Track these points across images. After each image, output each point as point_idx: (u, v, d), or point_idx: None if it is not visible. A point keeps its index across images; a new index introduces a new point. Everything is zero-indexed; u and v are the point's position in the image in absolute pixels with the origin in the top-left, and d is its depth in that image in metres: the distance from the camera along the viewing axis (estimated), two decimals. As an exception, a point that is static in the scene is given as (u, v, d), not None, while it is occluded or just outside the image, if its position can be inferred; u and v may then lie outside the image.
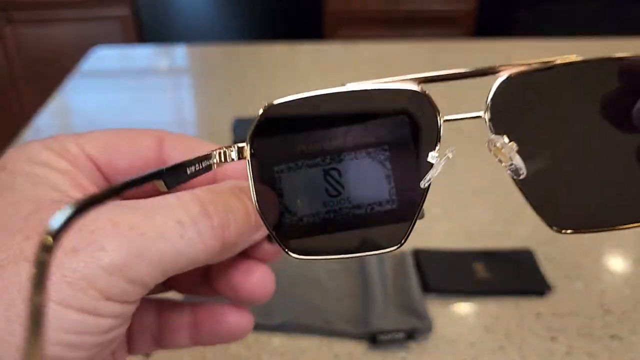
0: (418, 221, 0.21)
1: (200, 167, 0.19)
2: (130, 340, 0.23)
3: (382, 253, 0.21)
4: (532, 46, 1.08)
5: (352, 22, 1.99)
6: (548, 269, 0.50)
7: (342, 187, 0.21)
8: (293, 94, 0.20)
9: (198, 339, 0.23)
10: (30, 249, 0.16)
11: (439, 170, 0.20)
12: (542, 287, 0.48)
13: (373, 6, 1.97)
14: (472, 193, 0.62)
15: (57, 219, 0.13)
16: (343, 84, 0.20)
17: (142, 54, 1.15)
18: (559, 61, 0.20)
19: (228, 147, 0.20)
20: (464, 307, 0.47)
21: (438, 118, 0.20)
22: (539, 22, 1.95)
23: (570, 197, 0.22)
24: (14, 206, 0.18)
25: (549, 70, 0.21)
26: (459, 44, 1.12)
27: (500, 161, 0.20)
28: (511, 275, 0.49)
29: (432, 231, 0.55)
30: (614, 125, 0.21)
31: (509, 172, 0.20)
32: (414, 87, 0.20)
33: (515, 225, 0.56)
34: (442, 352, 0.42)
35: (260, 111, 0.20)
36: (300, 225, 0.21)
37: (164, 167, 0.17)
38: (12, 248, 0.17)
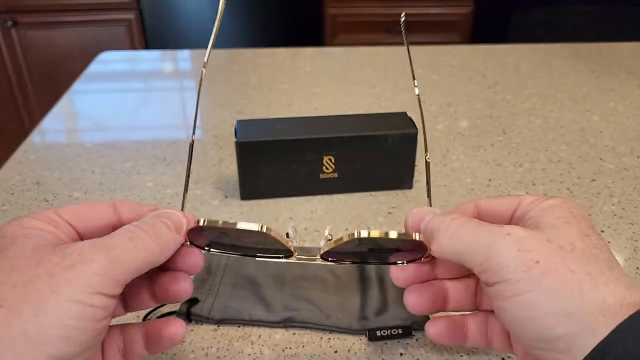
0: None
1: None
2: (104, 356, 0.32)
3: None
4: (529, 50, 1.09)
5: (351, 27, 2.01)
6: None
7: None
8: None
9: (150, 347, 0.33)
10: (45, 275, 0.26)
11: None
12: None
13: (372, 11, 1.99)
14: (470, 192, 0.63)
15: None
16: None
17: (148, 58, 1.17)
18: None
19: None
20: (460, 305, 0.48)
21: None
22: (536, 26, 1.96)
23: None
24: (21, 251, 0.27)
25: None
26: (456, 49, 1.13)
27: None
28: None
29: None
30: None
31: None
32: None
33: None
34: (439, 348, 0.43)
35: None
36: None
37: None
38: (28, 273, 0.26)
